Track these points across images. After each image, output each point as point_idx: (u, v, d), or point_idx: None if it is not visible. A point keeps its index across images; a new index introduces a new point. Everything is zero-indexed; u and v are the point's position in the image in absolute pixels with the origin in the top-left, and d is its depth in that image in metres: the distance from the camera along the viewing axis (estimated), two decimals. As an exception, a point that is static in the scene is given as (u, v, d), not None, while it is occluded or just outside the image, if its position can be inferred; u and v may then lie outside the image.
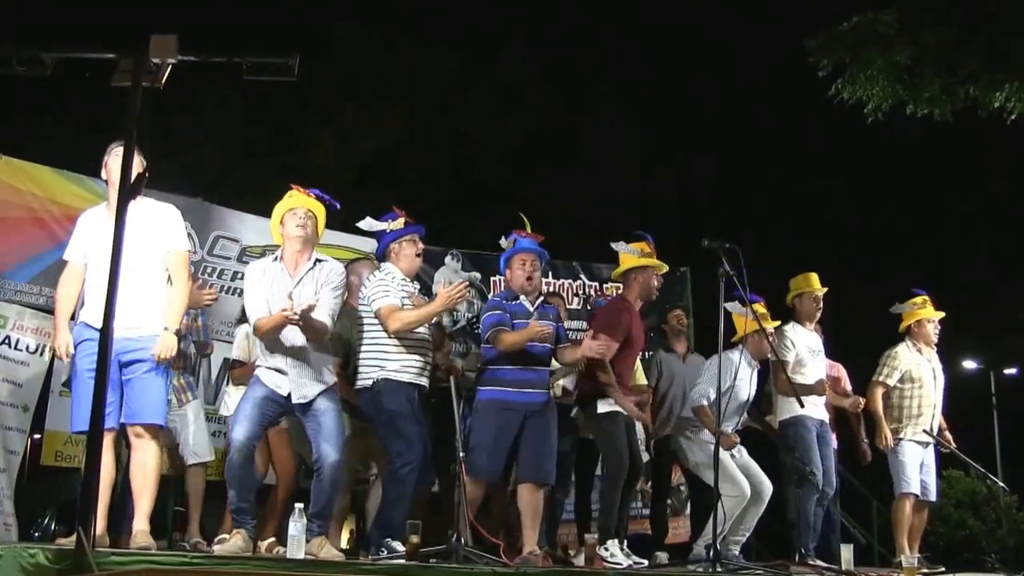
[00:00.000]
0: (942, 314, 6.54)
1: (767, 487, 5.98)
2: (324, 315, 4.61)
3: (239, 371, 5.62)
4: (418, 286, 5.27)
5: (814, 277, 6.41)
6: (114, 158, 4.25)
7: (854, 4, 8.21)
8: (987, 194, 16.95)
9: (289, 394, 4.61)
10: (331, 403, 4.66)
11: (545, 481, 5.10)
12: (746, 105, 18.31)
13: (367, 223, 5.23)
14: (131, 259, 4.28)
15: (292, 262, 4.72)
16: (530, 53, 17.71)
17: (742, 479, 5.81)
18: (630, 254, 5.76)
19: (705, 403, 5.85)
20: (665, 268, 5.90)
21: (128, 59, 3.52)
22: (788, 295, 6.47)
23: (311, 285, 4.68)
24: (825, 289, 6.39)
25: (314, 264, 4.73)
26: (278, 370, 4.62)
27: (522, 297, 5.25)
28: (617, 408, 5.54)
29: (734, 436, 5.88)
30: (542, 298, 5.39)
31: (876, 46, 7.99)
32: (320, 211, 4.81)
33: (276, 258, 4.79)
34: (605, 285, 8.16)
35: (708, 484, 5.66)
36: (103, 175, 4.44)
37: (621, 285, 5.98)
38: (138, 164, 4.28)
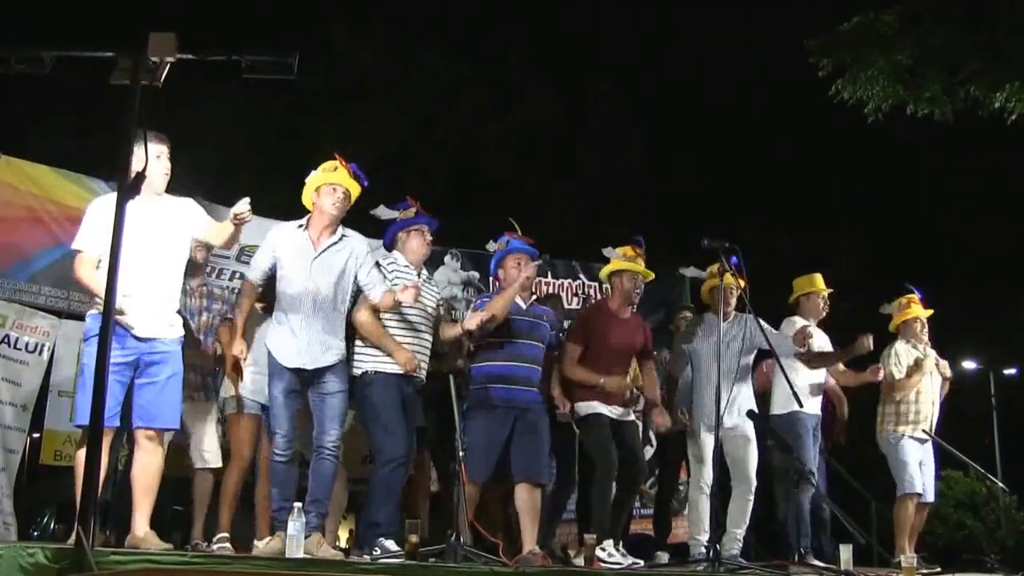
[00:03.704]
0: (930, 312, 6.52)
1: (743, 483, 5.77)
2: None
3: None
4: (426, 274, 5.24)
5: (818, 278, 6.39)
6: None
7: (855, 4, 8.21)
8: (986, 194, 16.92)
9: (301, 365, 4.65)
10: (339, 381, 4.71)
11: (538, 480, 5.08)
12: (746, 105, 18.29)
13: (380, 211, 5.24)
14: (157, 260, 4.27)
15: (317, 233, 4.79)
16: (530, 53, 17.72)
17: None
18: (615, 258, 5.72)
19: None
20: (646, 273, 5.69)
21: (127, 58, 3.52)
22: (792, 294, 6.45)
23: (335, 256, 4.77)
24: (831, 290, 6.37)
25: (340, 239, 4.81)
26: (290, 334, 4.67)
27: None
28: (597, 410, 5.48)
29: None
30: (535, 297, 5.39)
31: (877, 46, 7.98)
32: (355, 191, 4.87)
33: (302, 226, 4.84)
34: (604, 286, 8.13)
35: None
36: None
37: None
38: (166, 160, 4.31)
